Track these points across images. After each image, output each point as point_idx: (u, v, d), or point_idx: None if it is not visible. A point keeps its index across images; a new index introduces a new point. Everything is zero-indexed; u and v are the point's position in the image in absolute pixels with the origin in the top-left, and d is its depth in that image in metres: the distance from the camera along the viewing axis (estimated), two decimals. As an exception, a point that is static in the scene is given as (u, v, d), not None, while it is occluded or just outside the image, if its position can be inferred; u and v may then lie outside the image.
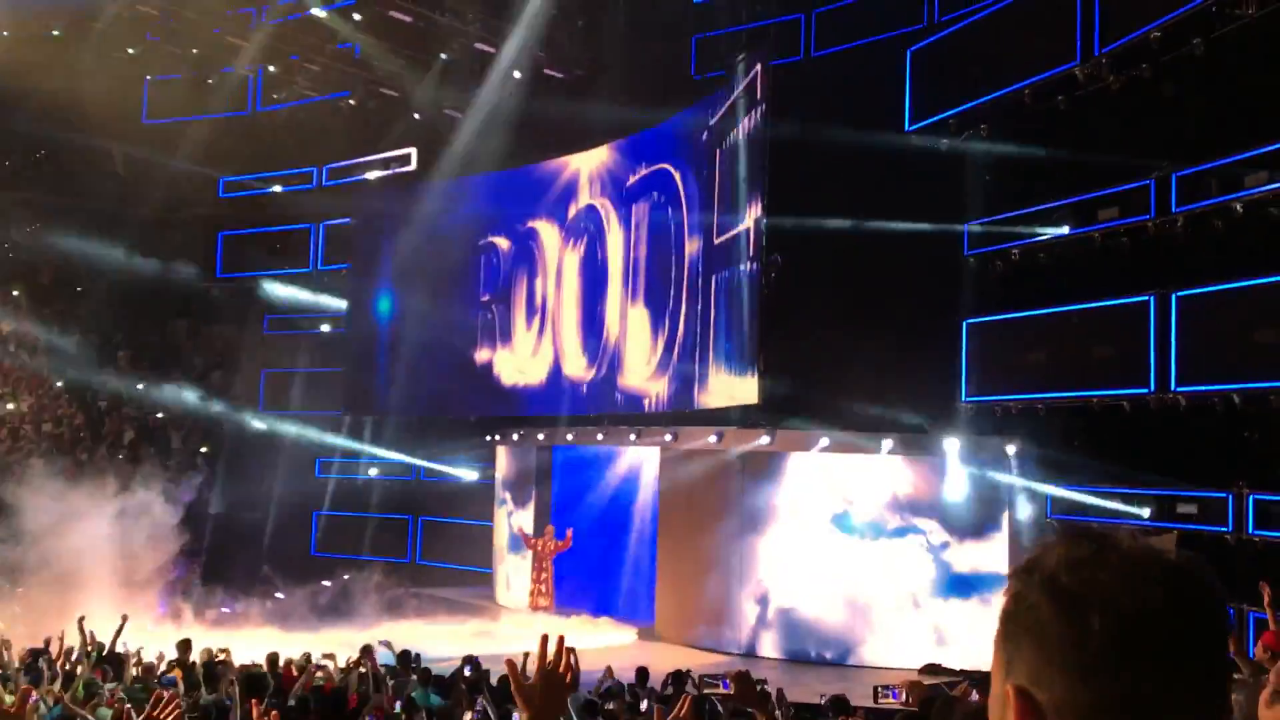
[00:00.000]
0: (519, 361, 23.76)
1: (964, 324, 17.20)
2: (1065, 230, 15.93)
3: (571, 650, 2.55)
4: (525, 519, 22.36)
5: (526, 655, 2.67)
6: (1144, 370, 14.51)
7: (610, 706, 10.01)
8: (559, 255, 22.94)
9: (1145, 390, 14.51)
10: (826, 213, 17.12)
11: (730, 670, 5.02)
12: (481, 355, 24.46)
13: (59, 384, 25.74)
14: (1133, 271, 14.87)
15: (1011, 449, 16.62)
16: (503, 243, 24.49)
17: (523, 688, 2.44)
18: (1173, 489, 14.54)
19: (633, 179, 20.60)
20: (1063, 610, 1.12)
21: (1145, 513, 14.85)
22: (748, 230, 17.04)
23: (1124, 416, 15.05)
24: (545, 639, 2.53)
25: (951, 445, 16.77)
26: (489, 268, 24.75)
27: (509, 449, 23.47)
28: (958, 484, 16.95)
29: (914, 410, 17.03)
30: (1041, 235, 16.27)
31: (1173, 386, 14.21)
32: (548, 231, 23.32)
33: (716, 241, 17.95)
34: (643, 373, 20.13)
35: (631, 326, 20.53)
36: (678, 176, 19.27)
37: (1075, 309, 15.67)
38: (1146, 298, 14.49)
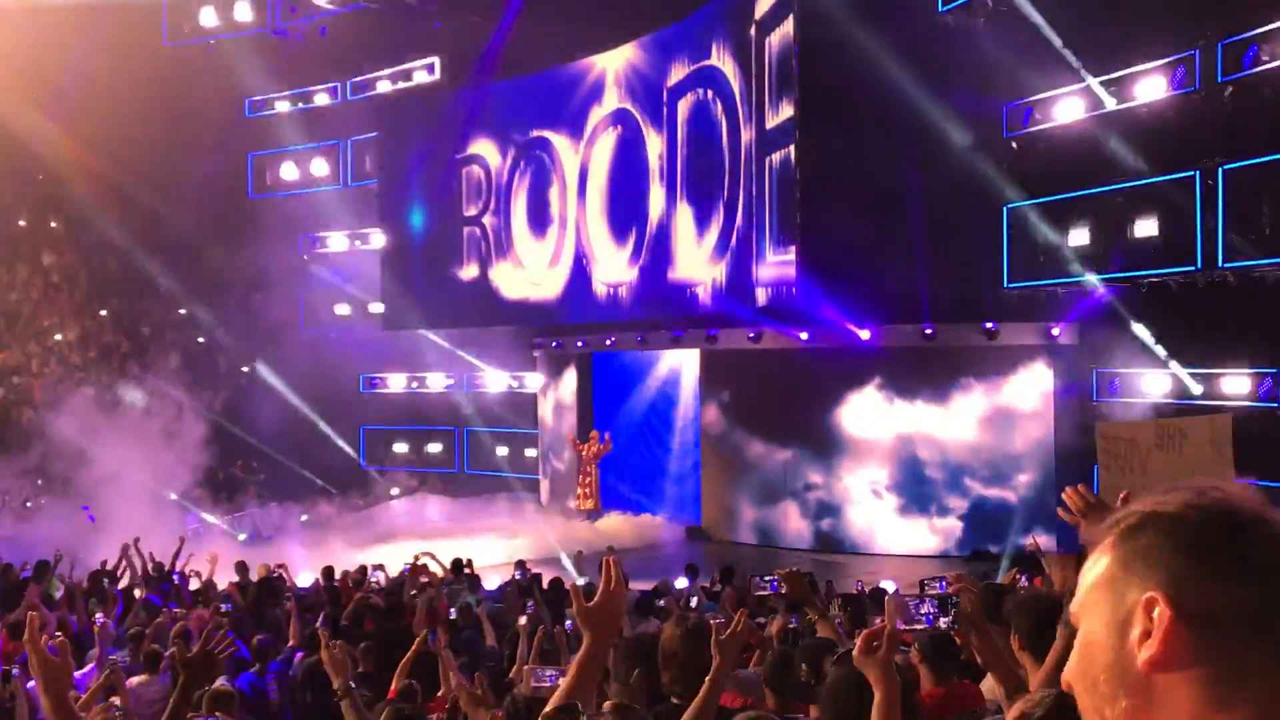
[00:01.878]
0: (531, 274, 23.79)
1: (1004, 208, 16.84)
2: (1108, 107, 15.45)
3: (618, 564, 2.60)
4: (568, 425, 22.53)
5: (574, 587, 2.73)
6: (1191, 248, 14.17)
7: (661, 603, 10.12)
8: (580, 161, 22.72)
9: (1192, 268, 14.20)
10: (864, 100, 16.67)
11: (780, 567, 5.02)
12: (469, 271, 24.81)
13: (103, 312, 26.01)
14: (1177, 146, 14.42)
15: (1057, 332, 16.41)
16: (492, 155, 24.40)
17: (586, 612, 2.48)
18: (1222, 367, 14.32)
19: (674, 78, 20.28)
20: (1214, 516, 1.09)
21: (1196, 390, 14.66)
22: (790, 119, 16.91)
23: (1171, 295, 14.77)
24: (608, 563, 2.58)
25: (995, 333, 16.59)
26: (471, 182, 24.77)
27: (549, 357, 23.57)
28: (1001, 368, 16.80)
29: (955, 297, 16.79)
30: (1082, 113, 15.79)
31: (1220, 263, 13.89)
32: (561, 140, 23.11)
33: (768, 127, 17.74)
34: (694, 262, 20.02)
35: (680, 220, 20.37)
36: (727, 69, 18.94)
37: (1118, 188, 15.27)
38: (1192, 173, 14.08)
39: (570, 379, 22.91)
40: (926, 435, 17.38)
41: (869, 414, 17.80)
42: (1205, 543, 1.08)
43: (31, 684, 7.14)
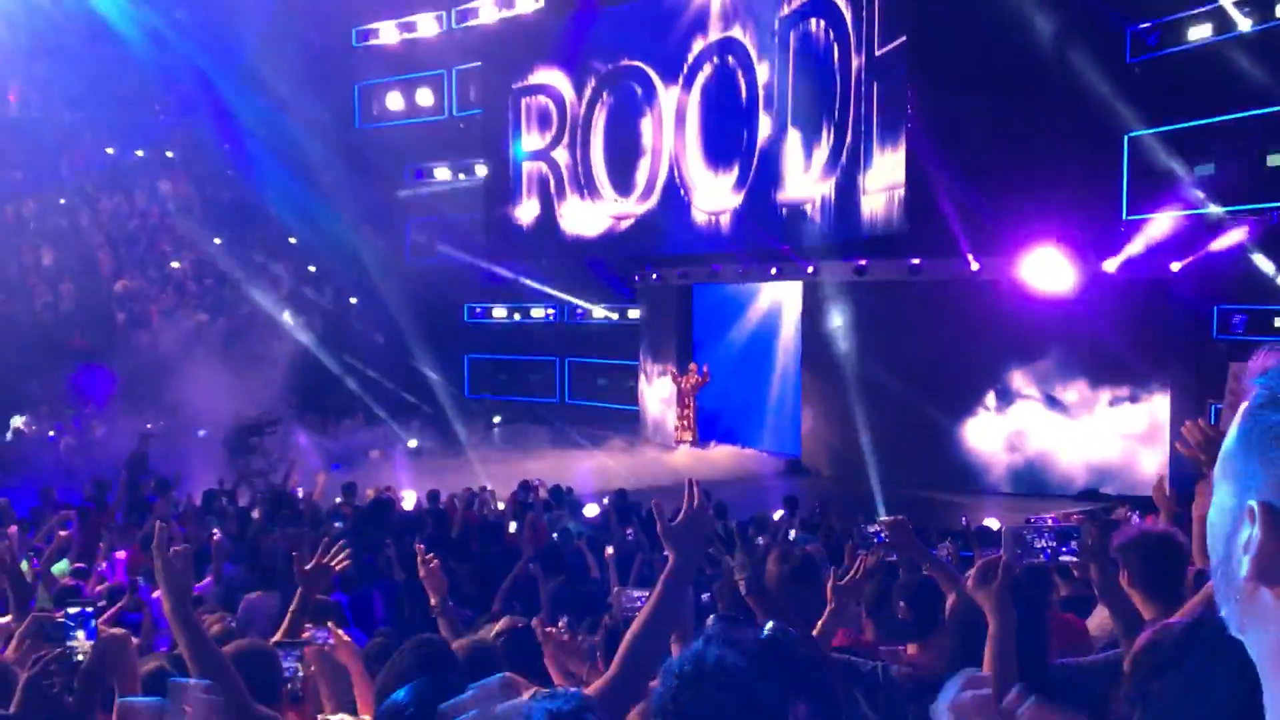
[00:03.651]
0: (616, 207, 23.74)
1: (1125, 136, 16.15)
2: (1240, 29, 14.63)
3: (698, 487, 2.69)
4: (668, 357, 22.55)
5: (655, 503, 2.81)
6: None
7: (760, 540, 10.11)
8: (679, 91, 22.50)
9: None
10: (978, 22, 16.07)
11: (886, 520, 4.91)
12: (528, 210, 25.20)
13: (217, 240, 26.75)
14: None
15: (1177, 268, 15.78)
16: (564, 87, 24.37)
17: (669, 530, 2.55)
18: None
19: (787, 8, 19.97)
20: None
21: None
22: (901, 45, 16.62)
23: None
24: (691, 483, 2.63)
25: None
26: (540, 110, 24.78)
27: (648, 289, 23.55)
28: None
29: (1074, 230, 16.21)
30: (1212, 36, 15.00)
31: (1359, 193, 13.16)
32: (655, 71, 22.93)
33: (878, 54, 17.45)
34: (804, 182, 19.82)
35: (789, 145, 20.15)
36: (839, 2, 18.60)
37: (1250, 115, 14.51)
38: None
39: (670, 310, 22.87)
40: (1030, 372, 16.92)
41: (970, 349, 17.38)
42: None
43: (157, 595, 7.46)
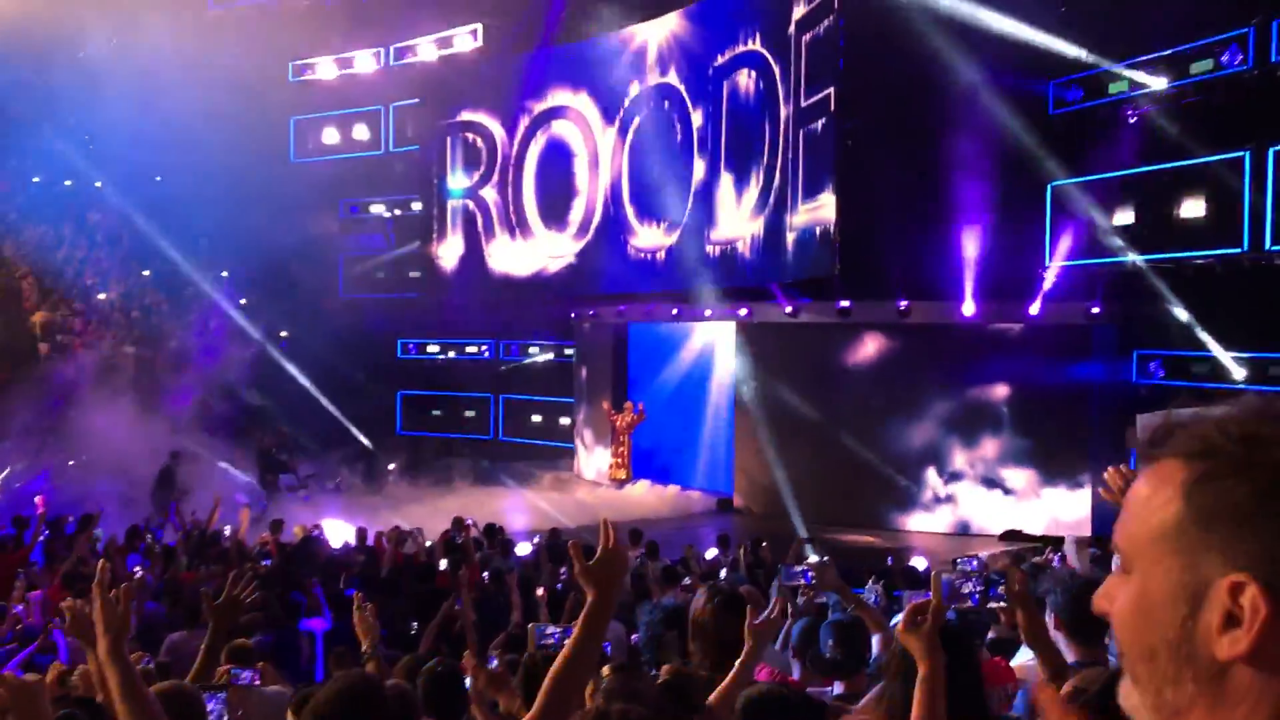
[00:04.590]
0: (551, 246, 23.86)
1: (1049, 185, 16.63)
2: (1158, 86, 15.19)
3: (613, 527, 2.70)
4: (603, 394, 22.59)
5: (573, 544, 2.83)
6: (1237, 229, 13.95)
7: (687, 581, 10.15)
8: (616, 134, 22.72)
9: (1239, 250, 13.98)
10: (905, 74, 16.50)
11: (813, 563, 5.01)
12: (451, 247, 25.39)
13: (145, 273, 26.30)
14: (1227, 126, 14.17)
15: (1098, 312, 16.23)
16: (495, 126, 24.53)
17: (586, 570, 2.56)
18: (1267, 351, 14.11)
19: (720, 59, 20.35)
20: None
21: (1239, 375, 14.47)
22: (828, 97, 17.07)
23: (1216, 278, 14.55)
24: (605, 523, 2.66)
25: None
26: (469, 148, 24.91)
27: (585, 327, 23.62)
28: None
29: (995, 276, 16.63)
30: (1131, 91, 15.55)
31: (1267, 245, 13.66)
32: (594, 110, 23.13)
33: (804, 105, 17.93)
34: (734, 222, 20.13)
35: (722, 187, 20.48)
36: (768, 55, 19.11)
37: (1166, 167, 15.04)
38: (1241, 153, 13.84)
39: (605, 348, 22.94)
40: (959, 413, 17.25)
41: (899, 390, 17.70)
42: None
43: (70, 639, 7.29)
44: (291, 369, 24.52)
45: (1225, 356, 14.71)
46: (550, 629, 4.22)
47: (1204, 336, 14.90)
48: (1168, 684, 0.95)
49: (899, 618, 3.17)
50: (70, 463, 16.76)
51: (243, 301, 26.55)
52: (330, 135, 27.67)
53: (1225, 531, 0.91)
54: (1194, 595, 0.92)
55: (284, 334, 26.36)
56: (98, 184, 27.38)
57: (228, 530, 12.57)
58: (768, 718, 3.32)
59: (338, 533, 13.65)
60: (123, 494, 16.37)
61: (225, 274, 26.46)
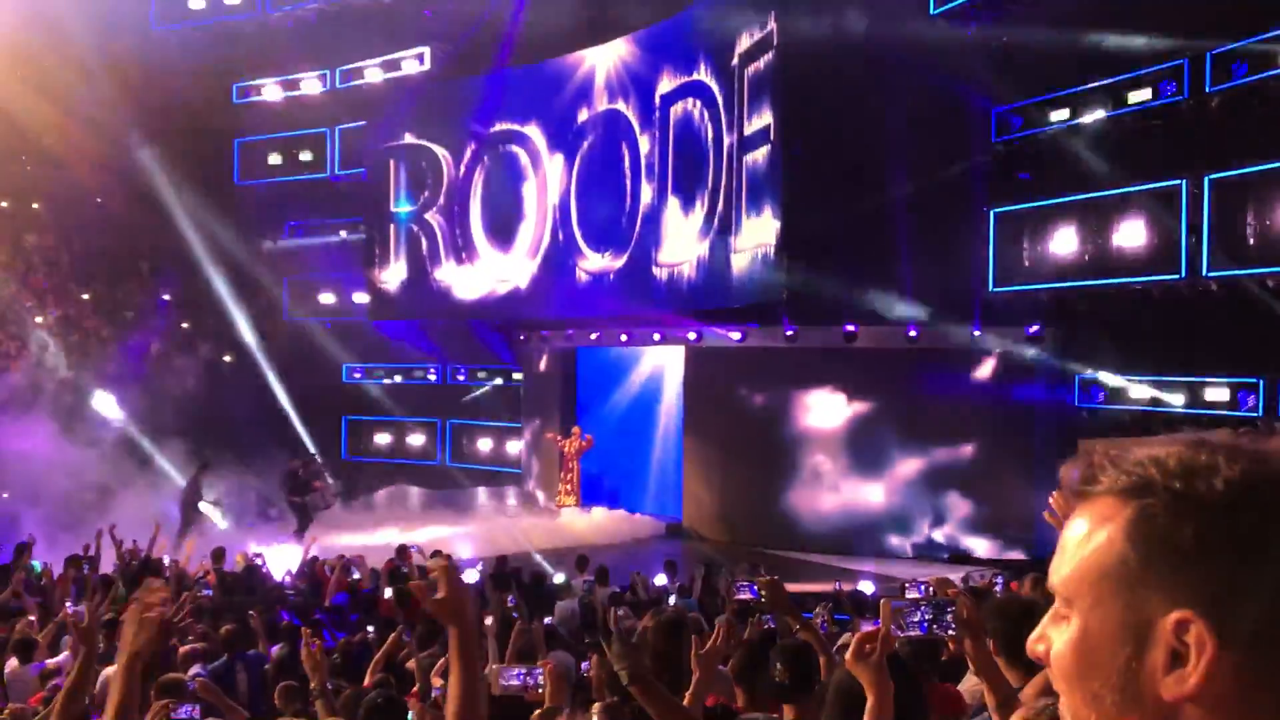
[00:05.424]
0: (499, 270, 23.78)
1: (990, 212, 16.89)
2: (1096, 115, 15.49)
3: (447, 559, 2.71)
4: (551, 420, 22.50)
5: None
6: (1175, 256, 14.24)
7: (621, 612, 10.07)
8: (563, 159, 22.73)
9: (1177, 276, 14.26)
10: (848, 101, 16.69)
11: (760, 577, 4.99)
12: (395, 272, 25.29)
13: (85, 296, 25.83)
14: (1164, 155, 14.49)
15: (1040, 338, 16.46)
16: (440, 151, 24.49)
17: (436, 606, 2.52)
18: (1204, 375, 14.38)
19: (665, 87, 20.46)
20: (1268, 495, 0.88)
21: (1177, 400, 14.72)
22: (769, 126, 17.20)
23: (1155, 303, 14.83)
24: (437, 553, 2.63)
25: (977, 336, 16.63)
26: (415, 172, 24.95)
27: (533, 351, 23.53)
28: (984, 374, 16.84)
29: (937, 301, 16.82)
30: (1071, 120, 15.85)
31: (1204, 272, 13.95)
32: (541, 135, 23.13)
33: (747, 133, 18.02)
34: (680, 247, 20.15)
35: (669, 212, 20.51)
36: (713, 85, 19.23)
37: (1105, 195, 15.33)
38: (1178, 182, 14.15)
39: (554, 372, 22.86)
40: (906, 437, 17.39)
41: (847, 414, 17.83)
42: (1258, 539, 0.87)
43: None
44: (234, 392, 24.15)
45: (1163, 382, 14.97)
46: (515, 669, 4.15)
47: (1142, 362, 15.16)
48: None
49: (847, 640, 3.16)
50: (3, 495, 16.37)
51: (184, 325, 26.14)
52: (275, 158, 27.40)
53: (1167, 569, 0.89)
54: (1138, 635, 0.90)
55: (227, 358, 25.99)
56: (35, 205, 26.90)
57: (167, 560, 12.32)
58: None
59: (281, 560, 13.42)
60: (49, 518, 16.03)
61: (166, 297, 26.05)
